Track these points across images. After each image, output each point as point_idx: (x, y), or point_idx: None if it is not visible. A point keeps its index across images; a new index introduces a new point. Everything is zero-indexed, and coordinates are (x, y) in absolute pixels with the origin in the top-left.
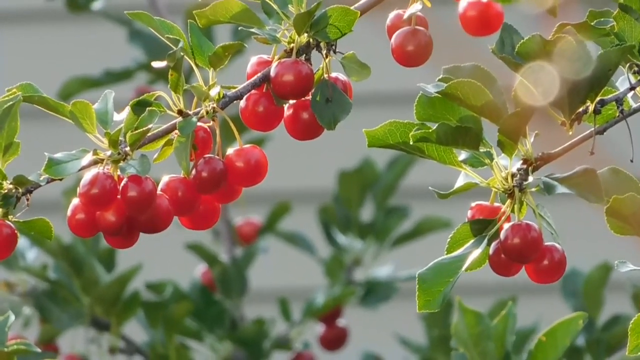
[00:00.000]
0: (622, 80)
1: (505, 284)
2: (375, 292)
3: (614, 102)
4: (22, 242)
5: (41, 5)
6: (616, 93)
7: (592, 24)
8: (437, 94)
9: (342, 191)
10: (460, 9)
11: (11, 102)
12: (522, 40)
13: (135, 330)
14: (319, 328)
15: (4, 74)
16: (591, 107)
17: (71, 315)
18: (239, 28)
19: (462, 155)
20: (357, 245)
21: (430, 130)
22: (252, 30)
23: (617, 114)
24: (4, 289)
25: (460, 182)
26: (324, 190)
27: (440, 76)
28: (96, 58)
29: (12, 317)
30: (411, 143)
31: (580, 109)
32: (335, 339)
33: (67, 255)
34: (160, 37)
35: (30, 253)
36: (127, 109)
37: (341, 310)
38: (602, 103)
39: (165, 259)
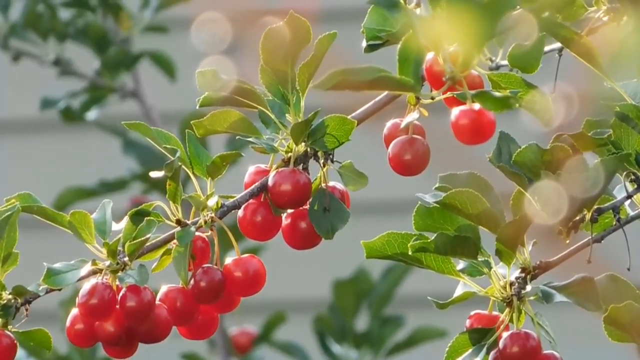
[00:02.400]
0: (619, 189)
1: None
2: None
3: (610, 210)
4: (19, 352)
5: (36, 115)
6: (613, 201)
7: (590, 134)
8: (435, 204)
9: (338, 300)
10: (453, 117)
11: (9, 212)
12: (519, 150)
13: None
14: None
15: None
16: (588, 216)
17: None
18: (237, 137)
19: (460, 264)
20: (352, 355)
21: (428, 241)
22: (250, 139)
23: (614, 222)
24: None
25: (458, 292)
26: (320, 299)
27: (437, 184)
28: (91, 168)
29: None
30: (410, 254)
31: (577, 218)
32: None
33: None
34: (157, 147)
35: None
36: (126, 219)
37: None
38: (599, 212)
39: None
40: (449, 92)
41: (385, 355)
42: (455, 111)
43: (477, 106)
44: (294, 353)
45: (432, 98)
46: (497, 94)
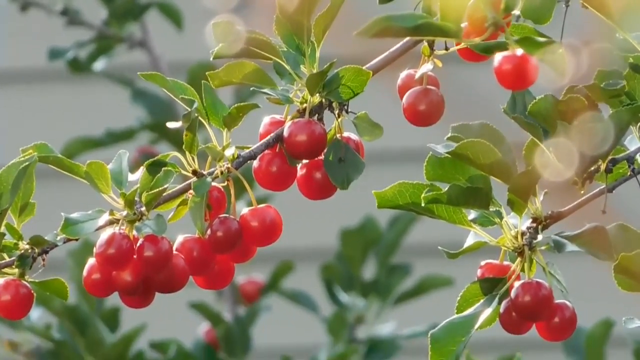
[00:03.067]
0: (630, 140)
1: (507, 340)
2: (377, 350)
3: (624, 161)
4: None
5: (44, 65)
6: (628, 152)
7: (602, 85)
8: (446, 154)
9: (345, 250)
10: (496, 63)
11: (27, 163)
12: (534, 101)
13: None
14: None
15: (7, 134)
16: (603, 166)
17: None
18: (251, 89)
19: (472, 214)
20: (359, 304)
21: (441, 192)
22: (264, 90)
23: (628, 172)
24: (8, 349)
25: (469, 242)
26: (327, 248)
27: (449, 135)
28: (99, 119)
29: None
30: (422, 205)
31: (592, 168)
32: None
33: (71, 315)
34: (169, 96)
35: (34, 313)
36: (142, 169)
37: None
38: (614, 162)
39: (169, 319)
40: (462, 44)
41: (393, 303)
42: (498, 57)
43: (519, 51)
44: (302, 301)
45: (447, 49)
46: (540, 39)
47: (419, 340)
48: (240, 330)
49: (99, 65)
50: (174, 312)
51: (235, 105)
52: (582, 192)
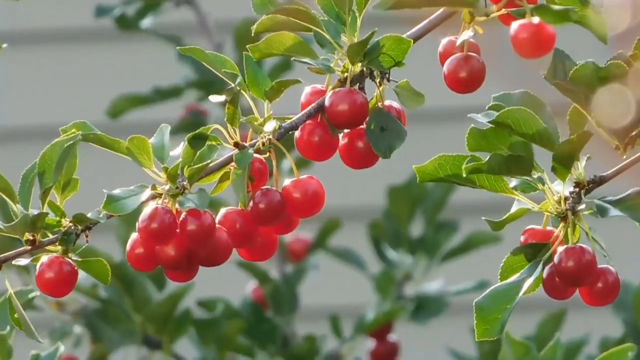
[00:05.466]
0: None
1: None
2: (425, 307)
3: None
4: None
5: (91, 23)
6: None
7: None
8: (488, 124)
9: (392, 207)
10: (512, 31)
11: (71, 142)
12: (575, 67)
13: (187, 348)
14: (370, 344)
15: (56, 93)
16: None
17: (122, 334)
18: (292, 59)
19: (513, 182)
20: (407, 261)
21: (482, 162)
22: (306, 60)
23: None
24: (55, 308)
25: (513, 209)
26: (374, 206)
27: (490, 104)
28: (146, 76)
29: (62, 348)
30: (463, 175)
31: (634, 132)
32: (386, 355)
33: (117, 273)
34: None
35: (80, 271)
36: (183, 143)
37: (392, 326)
38: None
39: (216, 277)
40: (504, 9)
41: (440, 260)
42: (514, 25)
43: (536, 20)
44: (350, 259)
45: (487, 15)
46: (556, 7)
47: (466, 297)
48: (288, 289)
49: (146, 22)
50: (222, 270)
51: (278, 80)
52: (624, 156)
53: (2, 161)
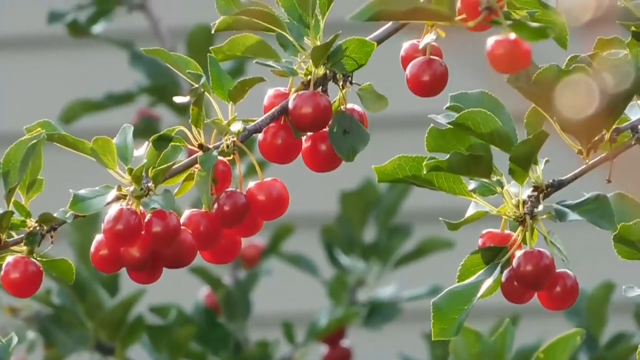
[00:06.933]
0: (630, 108)
1: (508, 305)
2: (378, 313)
3: (628, 130)
4: None
5: (43, 29)
6: (632, 121)
7: (604, 54)
8: (448, 125)
9: (345, 212)
10: (488, 47)
11: (35, 141)
12: (538, 70)
13: (140, 354)
14: (323, 349)
15: (7, 99)
16: (607, 136)
17: (76, 339)
18: (255, 61)
19: (472, 184)
20: (360, 266)
21: (442, 160)
22: (269, 63)
23: (632, 142)
24: (8, 314)
25: (470, 211)
26: (327, 212)
27: (448, 104)
28: (98, 82)
29: (16, 339)
30: (421, 176)
31: (597, 137)
32: None
33: None
34: (179, 73)
35: None
36: (147, 144)
37: (345, 331)
38: (618, 131)
39: (169, 283)
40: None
41: (394, 265)
42: (490, 41)
43: (512, 35)
44: (302, 264)
45: (464, 29)
46: (533, 24)
47: (420, 303)
48: (241, 294)
49: (99, 28)
50: (174, 276)
51: (241, 79)
52: (587, 161)
53: None
